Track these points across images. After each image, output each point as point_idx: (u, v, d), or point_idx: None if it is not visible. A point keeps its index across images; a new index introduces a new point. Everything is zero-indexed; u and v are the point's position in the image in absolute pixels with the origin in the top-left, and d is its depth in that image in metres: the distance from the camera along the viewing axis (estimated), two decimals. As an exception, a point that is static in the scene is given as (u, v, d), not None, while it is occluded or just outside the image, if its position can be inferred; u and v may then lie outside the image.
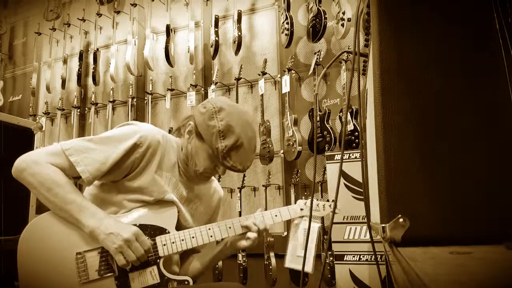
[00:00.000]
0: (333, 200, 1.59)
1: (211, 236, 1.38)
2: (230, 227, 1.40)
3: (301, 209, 1.59)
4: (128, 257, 1.21)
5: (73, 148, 1.24)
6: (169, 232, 1.33)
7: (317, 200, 1.63)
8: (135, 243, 1.22)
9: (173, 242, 1.33)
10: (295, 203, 1.62)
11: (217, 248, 1.48)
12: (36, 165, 1.21)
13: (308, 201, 1.59)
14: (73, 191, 1.23)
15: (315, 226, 1.69)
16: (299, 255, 1.75)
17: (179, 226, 1.39)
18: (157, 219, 1.34)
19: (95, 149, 1.26)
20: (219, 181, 3.30)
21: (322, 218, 1.63)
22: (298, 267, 1.78)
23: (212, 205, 1.57)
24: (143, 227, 1.29)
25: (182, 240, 1.34)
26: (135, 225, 1.28)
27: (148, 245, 1.26)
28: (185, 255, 1.52)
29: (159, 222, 1.34)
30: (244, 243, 1.39)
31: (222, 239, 1.44)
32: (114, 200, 1.33)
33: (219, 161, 1.31)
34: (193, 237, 1.36)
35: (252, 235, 1.38)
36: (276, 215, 1.49)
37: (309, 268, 1.74)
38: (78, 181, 1.28)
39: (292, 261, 1.76)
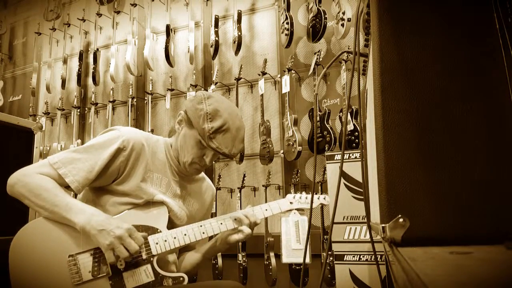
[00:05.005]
0: (316, 193, 1.65)
1: (203, 233, 1.40)
2: (221, 223, 1.43)
3: (291, 203, 1.63)
4: (120, 254, 1.22)
5: (60, 161, 1.29)
6: (161, 231, 1.35)
7: (305, 193, 1.67)
8: (128, 239, 1.23)
9: (165, 240, 1.34)
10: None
11: (209, 244, 1.52)
12: (26, 177, 1.26)
13: (297, 195, 1.65)
14: (60, 193, 1.26)
15: (305, 217, 1.72)
16: (294, 248, 1.77)
17: (172, 225, 1.42)
18: (148, 219, 1.36)
19: (80, 159, 1.30)
20: (219, 180, 3.30)
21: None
22: (295, 260, 1.80)
23: (206, 202, 1.61)
24: (134, 228, 1.30)
25: (175, 238, 1.36)
26: (125, 223, 1.29)
27: (142, 240, 1.27)
28: (180, 251, 1.54)
29: (150, 222, 1.36)
30: (235, 237, 1.43)
31: (214, 235, 1.47)
32: (106, 203, 1.35)
33: (206, 142, 1.34)
34: (185, 235, 1.38)
35: (244, 229, 1.42)
36: (266, 209, 1.53)
37: (307, 259, 1.75)
38: (69, 190, 1.31)
39: (289, 256, 1.77)
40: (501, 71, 0.69)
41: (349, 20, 2.77)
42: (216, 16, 3.54)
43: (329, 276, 2.53)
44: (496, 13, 0.71)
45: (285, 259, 1.79)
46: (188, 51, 3.56)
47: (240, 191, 3.17)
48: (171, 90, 3.67)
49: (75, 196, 1.44)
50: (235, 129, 1.37)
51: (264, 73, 3.20)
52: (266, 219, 2.96)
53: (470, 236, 0.66)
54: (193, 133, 1.37)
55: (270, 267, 2.88)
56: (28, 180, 1.25)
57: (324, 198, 1.68)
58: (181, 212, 1.45)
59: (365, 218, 1.14)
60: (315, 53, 3.03)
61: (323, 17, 2.92)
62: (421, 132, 0.71)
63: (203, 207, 1.59)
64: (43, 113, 4.39)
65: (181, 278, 1.33)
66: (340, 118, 2.87)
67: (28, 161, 2.12)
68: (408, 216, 0.65)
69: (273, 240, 2.93)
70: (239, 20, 3.40)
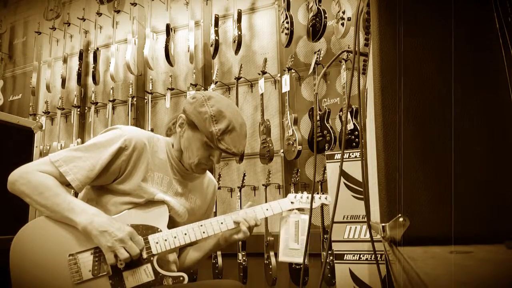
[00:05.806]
0: (317, 193, 1.65)
1: (204, 232, 1.41)
2: (222, 223, 1.44)
3: (292, 203, 1.63)
4: (120, 256, 1.22)
5: (61, 159, 1.29)
6: (161, 231, 1.36)
7: (307, 193, 1.66)
8: (130, 242, 1.24)
9: (165, 240, 1.35)
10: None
11: (210, 241, 1.53)
12: (27, 174, 1.26)
13: (298, 194, 1.65)
14: (62, 192, 1.26)
15: (305, 217, 1.71)
16: (292, 248, 1.76)
17: (173, 223, 1.42)
18: (148, 219, 1.36)
19: (82, 157, 1.30)
20: (219, 179, 3.30)
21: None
22: (292, 259, 1.80)
23: (208, 197, 1.63)
24: (134, 227, 1.31)
25: (175, 237, 1.37)
26: (126, 225, 1.30)
27: (143, 244, 1.28)
28: (180, 248, 1.55)
29: (151, 222, 1.36)
30: (235, 237, 1.45)
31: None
32: (106, 203, 1.36)
33: (214, 145, 1.35)
34: (185, 234, 1.39)
35: (244, 229, 1.43)
36: (267, 209, 1.54)
37: (304, 259, 1.75)
38: (69, 188, 1.31)
39: (285, 254, 1.77)
40: (501, 71, 0.69)
41: (349, 19, 2.76)
42: (216, 15, 3.53)
43: (329, 275, 2.53)
44: (496, 13, 0.71)
45: (282, 257, 1.78)
46: (188, 50, 3.55)
47: (240, 191, 3.17)
48: (171, 89, 3.67)
49: (76, 195, 1.45)
50: (239, 126, 1.39)
51: (264, 73, 3.20)
52: (266, 218, 2.95)
53: (470, 236, 0.66)
54: (198, 135, 1.37)
55: (270, 266, 2.88)
56: (29, 177, 1.25)
57: (326, 198, 1.68)
58: (183, 210, 1.45)
59: (365, 217, 1.14)
60: (315, 52, 3.03)
61: (323, 16, 2.92)
62: (421, 131, 0.71)
63: (205, 201, 1.60)
64: (43, 112, 4.39)
65: (181, 278, 1.34)
66: (340, 117, 2.87)
67: (28, 160, 2.11)
68: (408, 215, 0.65)
69: (273, 239, 2.93)
70: (239, 19, 3.39)
